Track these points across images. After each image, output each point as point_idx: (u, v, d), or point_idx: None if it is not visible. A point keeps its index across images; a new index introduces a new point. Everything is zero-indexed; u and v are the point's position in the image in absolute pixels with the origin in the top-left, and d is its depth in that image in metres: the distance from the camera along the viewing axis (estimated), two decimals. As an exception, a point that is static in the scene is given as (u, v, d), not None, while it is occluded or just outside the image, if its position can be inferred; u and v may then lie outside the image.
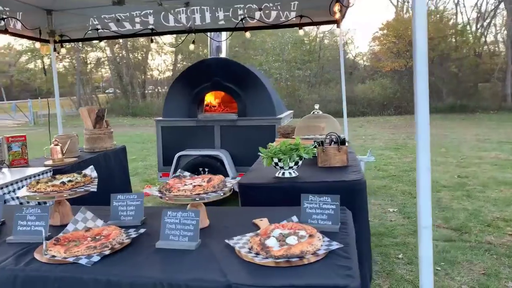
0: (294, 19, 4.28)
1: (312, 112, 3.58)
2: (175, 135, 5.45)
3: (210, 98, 5.94)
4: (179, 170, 2.03)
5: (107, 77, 33.36)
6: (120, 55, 29.47)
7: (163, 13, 4.35)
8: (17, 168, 3.47)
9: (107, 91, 32.01)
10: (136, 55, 30.37)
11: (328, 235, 1.63)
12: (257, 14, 4.25)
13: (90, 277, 1.40)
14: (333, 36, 27.47)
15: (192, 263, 1.47)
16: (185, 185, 1.83)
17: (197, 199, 1.68)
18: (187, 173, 2.02)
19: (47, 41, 4.55)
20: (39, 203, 1.97)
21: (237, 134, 5.28)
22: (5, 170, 3.39)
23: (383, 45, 23.87)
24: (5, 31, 3.94)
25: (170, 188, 1.74)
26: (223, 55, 5.53)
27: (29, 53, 28.46)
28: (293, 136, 3.64)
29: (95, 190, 1.97)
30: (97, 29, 4.52)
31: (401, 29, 21.22)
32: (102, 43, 27.98)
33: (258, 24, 4.34)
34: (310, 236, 1.54)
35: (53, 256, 1.50)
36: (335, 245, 1.50)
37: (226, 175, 4.88)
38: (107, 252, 1.53)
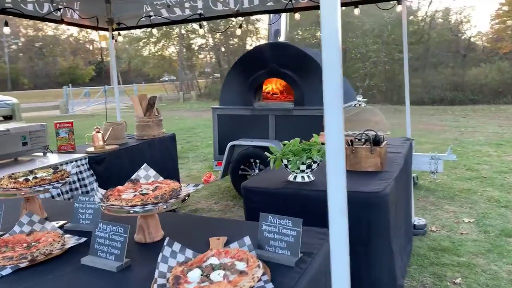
0: (349, -4, 3.75)
1: (354, 105, 3.09)
2: (230, 124, 5.29)
3: (271, 85, 5.65)
4: (143, 167, 1.80)
5: (208, 62, 34.83)
6: (219, 41, 30.42)
7: (211, -4, 4.16)
8: (61, 154, 3.61)
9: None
10: (237, 41, 31.08)
11: (279, 271, 1.29)
12: (309, -7, 3.80)
13: (-18, 295, 1.27)
14: (446, 16, 24.79)
15: (97, 290, 1.25)
16: (135, 192, 1.60)
17: (132, 211, 1.45)
18: (152, 173, 1.79)
19: (105, 29, 4.68)
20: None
21: (293, 124, 4.93)
22: (49, 155, 3.55)
23: (503, 23, 20.88)
24: (61, 21, 4.10)
25: (109, 196, 1.53)
26: (282, 39, 5.16)
27: (144, 40, 30.75)
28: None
29: (55, 190, 1.84)
30: (150, 16, 4.50)
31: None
32: (202, 30, 29.21)
33: (309, 4, 3.89)
34: (241, 273, 1.20)
35: (-27, 262, 1.41)
36: (266, 290, 1.15)
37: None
38: (23, 265, 1.38)
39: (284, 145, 2.44)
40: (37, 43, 58.03)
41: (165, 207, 1.48)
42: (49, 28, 60.11)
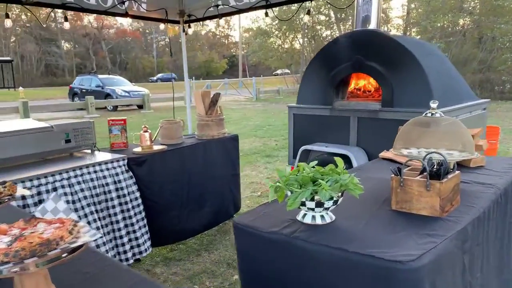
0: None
1: (424, 114, 2.22)
2: (307, 125, 4.65)
3: (363, 80, 4.81)
4: (51, 197, 1.36)
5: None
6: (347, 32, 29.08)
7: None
8: (106, 152, 3.48)
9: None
10: None
11: None
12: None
13: None
14: None
15: None
16: (22, 232, 1.18)
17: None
18: (61, 206, 1.35)
19: (175, 22, 4.47)
20: None
21: (378, 128, 4.06)
22: (96, 153, 3.45)
23: None
24: (125, 14, 3.99)
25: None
26: (372, 26, 4.28)
27: (275, 33, 31.13)
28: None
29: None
30: (217, 6, 4.12)
31: None
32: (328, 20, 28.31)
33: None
34: None
35: None
36: None
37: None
38: None
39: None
40: (181, 39, 64.32)
41: (16, 270, 1.03)
42: (191, 25, 65.89)
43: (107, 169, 3.12)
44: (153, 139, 3.58)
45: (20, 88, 27.55)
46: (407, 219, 1.67)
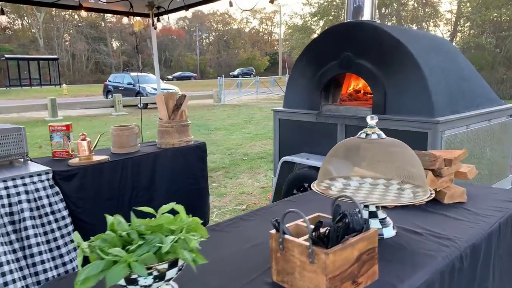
0: None
1: (359, 134, 1.57)
2: (292, 132, 4.03)
3: (360, 81, 4.12)
4: None
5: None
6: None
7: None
8: (36, 164, 3.05)
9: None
10: (414, 27, 27.93)
11: None
12: None
13: None
14: None
15: None
16: None
17: None
18: None
19: (142, 15, 3.99)
20: None
21: (368, 140, 3.37)
22: (29, 163, 3.04)
23: None
24: (79, 6, 3.55)
25: None
26: (365, 18, 3.57)
27: (301, 31, 30.37)
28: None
29: None
30: (183, -5, 3.60)
31: None
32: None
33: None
34: None
35: None
36: None
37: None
38: None
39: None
40: (225, 37, 64.98)
41: None
42: (235, 22, 66.41)
43: (24, 184, 2.69)
44: (92, 148, 3.12)
45: (64, 85, 28.67)
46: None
